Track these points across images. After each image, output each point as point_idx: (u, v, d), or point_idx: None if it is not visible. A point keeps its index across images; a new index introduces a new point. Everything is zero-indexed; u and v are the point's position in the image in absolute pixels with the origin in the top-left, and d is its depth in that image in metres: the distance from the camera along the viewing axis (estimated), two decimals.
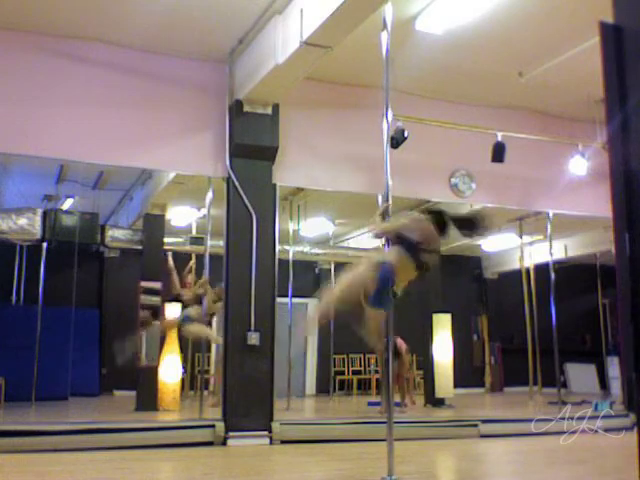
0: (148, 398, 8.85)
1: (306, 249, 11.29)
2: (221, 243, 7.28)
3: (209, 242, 7.90)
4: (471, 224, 4.70)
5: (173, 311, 9.41)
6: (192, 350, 10.36)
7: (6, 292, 10.89)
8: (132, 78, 7.01)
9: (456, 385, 10.46)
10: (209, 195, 7.69)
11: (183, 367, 9.50)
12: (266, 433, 6.76)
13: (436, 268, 11.05)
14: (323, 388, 12.45)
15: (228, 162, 7.09)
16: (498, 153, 7.48)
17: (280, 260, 7.53)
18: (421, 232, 4.52)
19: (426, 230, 4.55)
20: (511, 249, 12.15)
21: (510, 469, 5.95)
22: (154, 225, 9.60)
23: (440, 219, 4.63)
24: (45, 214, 9.17)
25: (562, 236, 10.46)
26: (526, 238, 11.07)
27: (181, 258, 10.06)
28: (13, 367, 9.19)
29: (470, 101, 8.33)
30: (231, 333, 6.92)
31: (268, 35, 6.34)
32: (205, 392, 8.32)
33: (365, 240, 11.71)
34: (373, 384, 12.76)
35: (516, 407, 10.67)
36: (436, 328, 10.29)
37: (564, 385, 12.48)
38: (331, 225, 11.49)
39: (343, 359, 12.93)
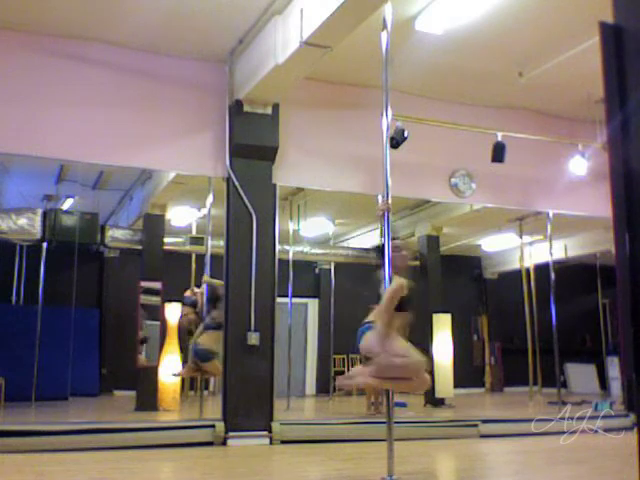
0: (148, 398, 8.85)
1: (306, 249, 11.29)
2: (221, 243, 7.28)
3: (209, 242, 7.90)
4: None
5: (173, 311, 9.42)
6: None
7: (6, 292, 10.89)
8: (132, 78, 7.01)
9: (456, 385, 10.47)
10: (209, 195, 7.69)
11: (183, 367, 9.49)
12: (266, 433, 6.76)
13: (437, 268, 11.08)
14: (323, 388, 12.44)
15: (228, 162, 7.09)
16: (498, 153, 7.48)
17: (280, 260, 7.53)
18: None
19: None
20: (511, 249, 12.15)
21: (510, 469, 5.95)
22: (154, 225, 9.60)
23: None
24: (45, 214, 9.18)
25: (562, 236, 10.46)
26: (526, 238, 11.06)
27: (181, 258, 10.07)
28: (13, 367, 9.19)
29: (470, 101, 8.33)
30: (231, 333, 6.92)
31: (268, 35, 6.34)
32: (205, 392, 8.32)
33: (365, 240, 11.75)
34: None
35: (516, 407, 10.67)
36: (436, 328, 10.30)
37: (564, 385, 12.47)
38: (331, 225, 11.49)
39: (343, 359, 12.93)
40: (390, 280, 4.63)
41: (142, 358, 9.27)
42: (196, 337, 7.94)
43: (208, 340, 7.76)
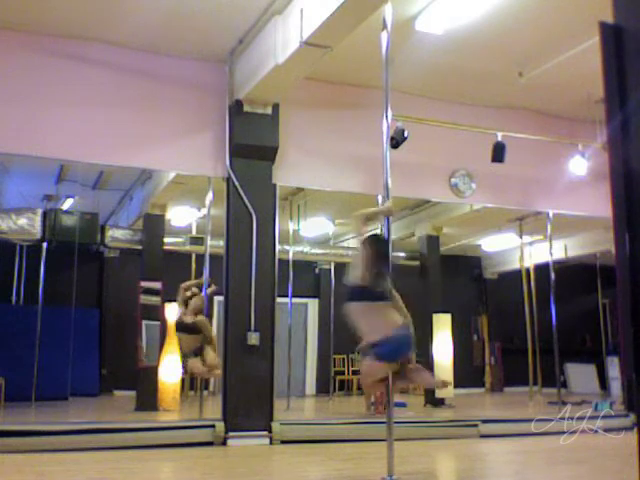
0: (148, 398, 8.85)
1: (306, 249, 11.29)
2: (221, 243, 7.28)
3: (209, 242, 7.89)
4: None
5: (173, 311, 9.41)
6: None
7: (6, 292, 10.89)
8: (132, 78, 7.01)
9: (456, 385, 10.45)
10: (209, 195, 7.69)
11: (183, 367, 9.50)
12: (266, 433, 6.76)
13: (437, 268, 11.05)
14: (323, 388, 12.44)
15: (228, 162, 7.09)
16: (498, 153, 7.48)
17: (280, 260, 7.53)
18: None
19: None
20: (511, 249, 12.14)
21: (510, 469, 5.95)
22: (154, 225, 9.60)
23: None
24: (45, 214, 9.18)
25: (562, 236, 10.46)
26: (526, 238, 11.06)
27: (181, 258, 10.06)
28: (13, 367, 9.19)
29: (470, 101, 8.33)
30: (231, 333, 6.92)
31: (268, 35, 6.34)
32: (205, 392, 8.31)
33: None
34: None
35: (516, 407, 10.67)
36: (436, 328, 10.29)
37: (564, 385, 12.47)
38: (331, 225, 11.49)
39: (343, 359, 12.93)
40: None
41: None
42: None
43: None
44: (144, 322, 9.41)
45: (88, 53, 6.83)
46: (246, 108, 7.03)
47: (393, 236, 5.01)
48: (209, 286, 7.92)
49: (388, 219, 4.91)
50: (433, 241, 10.82)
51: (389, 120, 4.97)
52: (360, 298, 4.57)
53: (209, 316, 8.21)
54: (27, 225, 9.00)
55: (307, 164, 7.59)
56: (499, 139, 7.52)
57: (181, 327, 7.76)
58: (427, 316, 10.31)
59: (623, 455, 5.91)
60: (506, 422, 7.86)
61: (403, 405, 9.45)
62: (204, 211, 8.37)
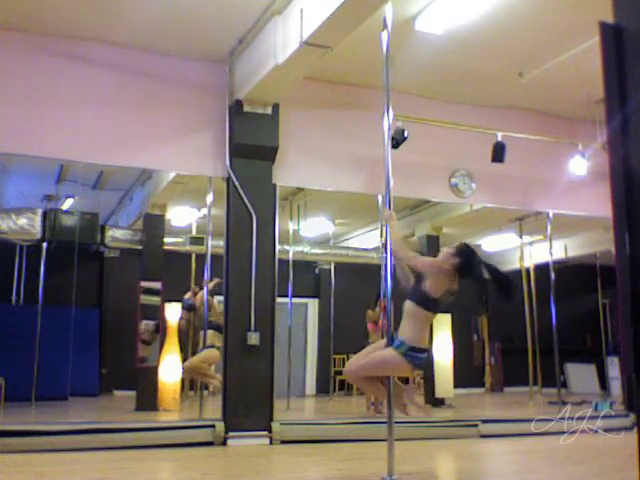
0: (148, 398, 8.85)
1: (306, 249, 11.29)
2: (221, 243, 7.28)
3: (209, 242, 7.89)
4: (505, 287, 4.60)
5: (173, 312, 9.42)
6: (192, 350, 10.36)
7: (6, 292, 10.89)
8: (132, 78, 7.01)
9: (456, 385, 10.46)
10: (209, 195, 7.68)
11: (183, 367, 9.50)
12: (266, 433, 6.76)
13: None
14: (323, 388, 12.44)
15: (228, 162, 7.09)
16: (498, 153, 7.48)
17: (280, 260, 7.53)
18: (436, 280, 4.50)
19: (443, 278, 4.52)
20: (511, 249, 12.13)
21: (510, 469, 5.94)
22: (154, 225, 9.60)
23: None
24: (45, 214, 9.18)
25: (562, 236, 10.46)
26: (526, 238, 11.07)
27: (181, 258, 10.07)
28: (13, 367, 9.19)
29: (470, 101, 8.33)
30: (231, 333, 6.92)
31: (268, 35, 6.34)
32: (205, 392, 8.31)
33: (365, 240, 11.75)
34: None
35: (516, 407, 10.66)
36: (436, 328, 10.29)
37: (564, 385, 12.47)
38: (331, 225, 11.49)
39: (343, 359, 12.89)
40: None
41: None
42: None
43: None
44: (144, 322, 9.42)
45: (88, 53, 6.83)
46: (246, 108, 7.03)
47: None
48: (210, 280, 7.95)
49: (387, 225, 4.89)
50: (433, 241, 10.81)
51: (390, 120, 4.96)
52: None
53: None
54: (27, 225, 9.00)
55: (307, 164, 7.59)
56: (499, 139, 7.53)
57: (211, 326, 8.04)
58: None
59: (623, 455, 5.91)
60: (506, 422, 7.85)
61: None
62: (204, 211, 8.37)
